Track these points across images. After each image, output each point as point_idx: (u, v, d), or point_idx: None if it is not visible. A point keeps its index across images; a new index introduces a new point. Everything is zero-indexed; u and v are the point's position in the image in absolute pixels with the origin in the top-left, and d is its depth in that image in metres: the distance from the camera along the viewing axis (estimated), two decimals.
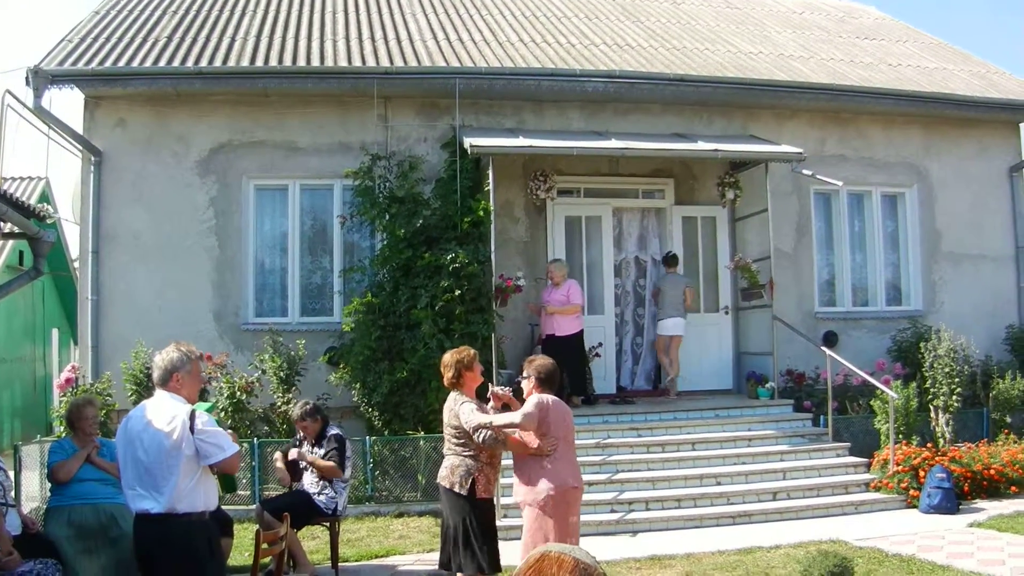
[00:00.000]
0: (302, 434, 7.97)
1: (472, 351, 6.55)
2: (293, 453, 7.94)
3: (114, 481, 6.15)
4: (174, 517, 4.80)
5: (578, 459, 9.66)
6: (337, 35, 12.87)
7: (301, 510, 7.57)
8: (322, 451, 7.81)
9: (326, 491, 7.78)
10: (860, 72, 13.97)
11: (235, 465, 5.15)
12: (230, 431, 5.34)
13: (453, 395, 6.41)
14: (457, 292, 10.50)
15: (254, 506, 9.76)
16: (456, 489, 6.19)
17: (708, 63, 13.29)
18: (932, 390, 11.63)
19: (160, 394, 5.04)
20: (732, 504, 9.61)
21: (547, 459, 6.09)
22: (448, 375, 6.43)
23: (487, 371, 8.47)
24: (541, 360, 6.47)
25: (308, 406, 7.97)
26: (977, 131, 14.26)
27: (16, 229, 8.37)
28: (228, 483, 5.48)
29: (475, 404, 6.26)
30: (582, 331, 11.56)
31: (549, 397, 6.20)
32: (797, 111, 13.44)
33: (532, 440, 6.15)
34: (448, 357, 6.50)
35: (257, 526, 7.15)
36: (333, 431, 7.94)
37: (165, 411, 4.88)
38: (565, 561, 2.66)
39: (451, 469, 6.27)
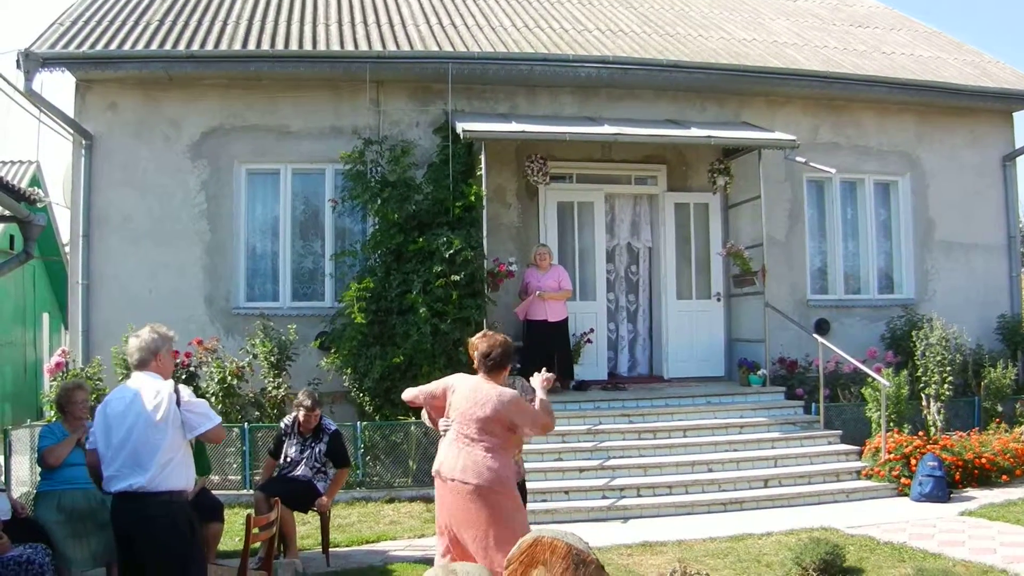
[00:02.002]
0: (301, 422, 7.74)
1: (476, 340, 6.21)
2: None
3: None
4: (155, 495, 4.79)
5: (568, 445, 9.88)
6: (330, 19, 12.79)
7: (304, 495, 7.58)
8: (322, 446, 7.80)
9: (323, 480, 7.82)
10: (854, 60, 13.93)
11: (221, 435, 5.21)
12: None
13: None
14: (454, 277, 10.48)
15: (245, 491, 9.78)
16: None
17: (702, 49, 13.23)
18: (924, 378, 11.65)
19: (138, 375, 5.04)
20: (723, 491, 9.62)
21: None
22: None
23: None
24: (480, 339, 5.83)
25: (316, 395, 7.93)
26: (970, 120, 14.25)
27: (7, 212, 8.32)
28: (202, 465, 5.51)
29: None
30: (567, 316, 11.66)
31: (458, 380, 5.74)
32: (790, 98, 13.40)
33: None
34: None
35: (249, 512, 7.11)
36: (332, 427, 7.91)
37: (148, 389, 4.90)
38: (558, 547, 2.67)
39: None
